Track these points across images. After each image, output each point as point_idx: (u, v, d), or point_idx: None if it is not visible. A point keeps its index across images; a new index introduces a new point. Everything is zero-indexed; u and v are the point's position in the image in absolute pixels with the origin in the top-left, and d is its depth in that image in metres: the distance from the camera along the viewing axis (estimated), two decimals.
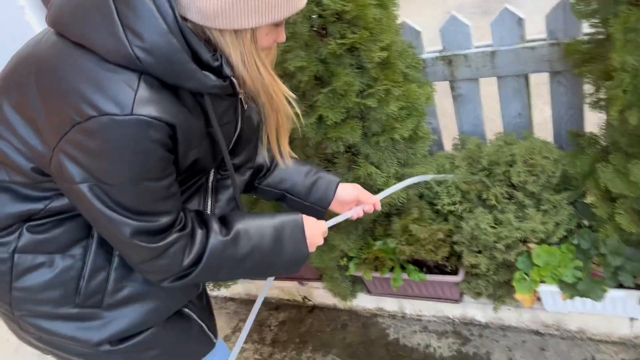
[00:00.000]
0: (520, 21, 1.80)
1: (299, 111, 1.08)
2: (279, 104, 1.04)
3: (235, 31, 0.91)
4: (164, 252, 1.00)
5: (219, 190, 1.22)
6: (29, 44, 1.01)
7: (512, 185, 1.72)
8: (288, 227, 1.16)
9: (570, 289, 1.63)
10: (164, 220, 0.98)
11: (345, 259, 2.01)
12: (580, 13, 1.55)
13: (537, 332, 1.96)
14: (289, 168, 1.36)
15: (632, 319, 1.76)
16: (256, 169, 1.33)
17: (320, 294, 2.33)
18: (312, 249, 1.21)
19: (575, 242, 1.65)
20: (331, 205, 1.38)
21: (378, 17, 1.50)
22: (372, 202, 1.42)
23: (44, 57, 0.93)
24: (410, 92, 1.72)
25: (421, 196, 1.91)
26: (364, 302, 2.25)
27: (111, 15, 0.86)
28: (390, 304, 2.19)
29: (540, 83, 2.09)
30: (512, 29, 1.82)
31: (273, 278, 1.33)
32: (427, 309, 2.12)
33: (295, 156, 1.22)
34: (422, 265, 1.96)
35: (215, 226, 1.08)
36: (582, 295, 1.62)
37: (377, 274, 1.98)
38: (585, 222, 1.70)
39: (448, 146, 2.22)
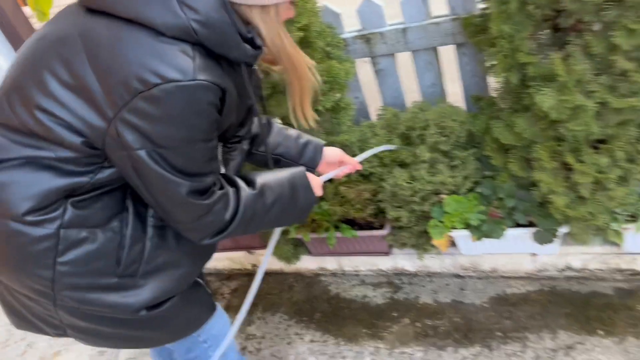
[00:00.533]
0: (424, 0, 2.03)
1: (319, 77, 1.21)
2: (301, 71, 1.17)
3: (262, 7, 1.04)
4: (211, 209, 1.10)
5: (227, 161, 1.33)
6: (61, 22, 1.06)
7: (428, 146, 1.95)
8: (298, 177, 1.29)
9: (477, 231, 1.89)
10: (209, 180, 1.10)
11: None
12: None
13: (457, 275, 2.22)
14: (280, 134, 1.49)
15: (532, 255, 2.04)
16: (253, 137, 1.45)
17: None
18: (317, 196, 1.35)
19: (479, 190, 1.91)
20: (318, 166, 1.54)
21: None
22: (353, 163, 1.59)
23: (93, 35, 0.99)
24: (331, 68, 1.92)
25: None
26: (307, 263, 2.46)
27: None
28: (330, 263, 2.41)
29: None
30: (419, 7, 2.04)
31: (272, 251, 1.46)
32: (363, 264, 2.35)
33: (318, 118, 1.34)
34: (354, 224, 2.18)
35: (241, 184, 1.19)
36: (486, 236, 1.88)
37: (314, 235, 2.19)
38: (489, 173, 1.95)
39: (375, 117, 2.44)
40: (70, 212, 1.07)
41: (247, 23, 1.06)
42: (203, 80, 0.97)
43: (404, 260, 2.27)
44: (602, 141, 1.67)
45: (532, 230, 1.85)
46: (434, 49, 2.15)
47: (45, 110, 1.01)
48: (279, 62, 1.15)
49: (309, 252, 2.39)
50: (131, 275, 1.16)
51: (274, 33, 1.09)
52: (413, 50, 2.17)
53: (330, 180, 2.16)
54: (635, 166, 1.65)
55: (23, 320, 1.24)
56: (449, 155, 1.94)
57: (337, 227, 2.16)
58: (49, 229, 1.06)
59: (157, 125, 0.98)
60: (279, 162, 1.50)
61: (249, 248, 2.51)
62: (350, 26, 2.22)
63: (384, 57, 2.23)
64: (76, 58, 0.99)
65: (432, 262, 2.23)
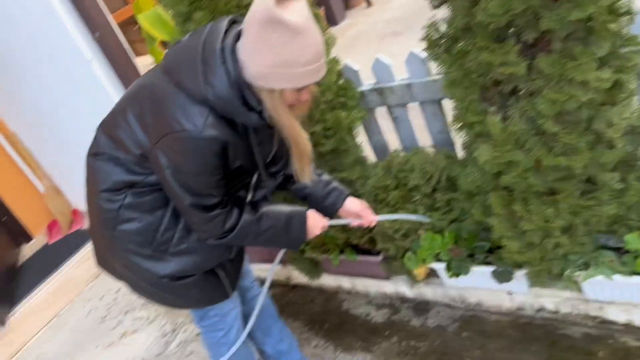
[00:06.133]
0: (424, 60, 2.33)
1: (310, 147, 1.54)
2: (298, 141, 1.51)
3: (269, 89, 1.37)
4: (210, 220, 1.52)
5: (257, 188, 1.73)
6: (148, 76, 1.54)
7: (409, 188, 2.25)
8: (296, 216, 1.68)
9: (449, 267, 2.13)
10: (213, 200, 1.51)
11: (304, 244, 2.62)
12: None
13: (448, 305, 2.44)
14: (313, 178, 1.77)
15: (509, 293, 2.20)
16: (289, 175, 1.81)
17: (298, 275, 2.94)
18: (310, 235, 1.73)
19: (452, 229, 2.15)
20: (339, 212, 1.88)
21: None
22: (369, 219, 1.87)
23: (157, 89, 1.45)
24: (336, 117, 2.32)
25: None
26: (327, 281, 2.83)
27: (197, 73, 1.37)
28: (345, 282, 2.76)
29: None
30: (420, 67, 2.35)
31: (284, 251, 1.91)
32: (372, 286, 2.67)
33: (315, 178, 1.77)
34: (360, 250, 2.52)
35: (247, 208, 1.61)
36: (456, 272, 2.11)
37: (325, 256, 2.57)
38: (463, 215, 2.18)
39: None
40: (129, 198, 1.56)
41: (259, 99, 1.41)
42: (208, 135, 1.39)
43: (404, 287, 2.54)
44: (553, 193, 1.84)
45: (489, 269, 2.04)
46: (439, 102, 2.43)
47: (123, 129, 1.51)
48: (280, 132, 1.51)
49: (325, 271, 2.76)
50: (162, 251, 1.63)
51: (274, 111, 1.41)
52: (419, 102, 2.47)
53: None
54: (578, 219, 1.79)
55: (100, 259, 1.79)
56: (431, 197, 2.21)
57: (342, 251, 2.52)
58: (114, 206, 1.57)
59: (177, 156, 1.43)
60: (307, 199, 1.88)
61: (282, 262, 2.95)
62: (368, 80, 2.59)
63: (397, 107, 2.56)
64: (146, 103, 1.48)
65: (427, 291, 2.47)
